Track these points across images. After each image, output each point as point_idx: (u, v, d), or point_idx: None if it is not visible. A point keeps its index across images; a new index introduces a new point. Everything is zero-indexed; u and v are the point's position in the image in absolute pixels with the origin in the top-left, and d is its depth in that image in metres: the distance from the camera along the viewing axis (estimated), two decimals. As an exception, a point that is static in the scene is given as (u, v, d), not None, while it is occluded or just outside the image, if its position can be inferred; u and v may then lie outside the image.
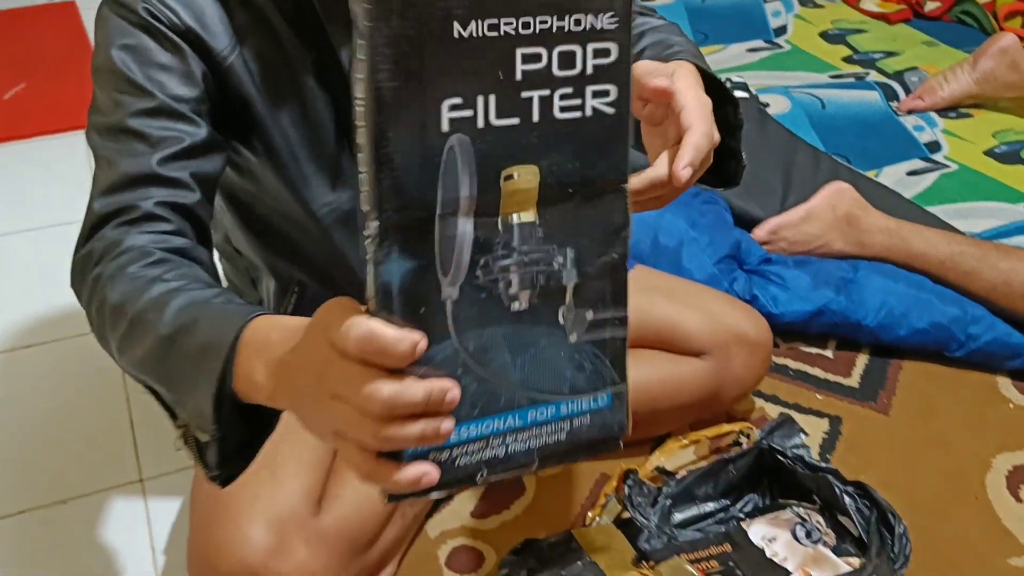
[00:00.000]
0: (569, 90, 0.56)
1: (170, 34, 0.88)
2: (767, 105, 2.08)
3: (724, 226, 1.64)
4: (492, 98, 0.54)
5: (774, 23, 2.53)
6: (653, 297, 1.32)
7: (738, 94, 2.06)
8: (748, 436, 1.30)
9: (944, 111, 2.14)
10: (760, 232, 1.65)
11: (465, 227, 0.55)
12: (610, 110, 0.58)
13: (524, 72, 0.54)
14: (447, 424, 0.55)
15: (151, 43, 0.87)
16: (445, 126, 0.53)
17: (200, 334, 0.70)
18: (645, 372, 1.29)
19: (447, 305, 0.55)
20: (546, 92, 0.55)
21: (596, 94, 0.57)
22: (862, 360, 1.53)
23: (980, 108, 2.16)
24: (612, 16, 0.56)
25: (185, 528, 1.23)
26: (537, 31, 0.54)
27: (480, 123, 0.54)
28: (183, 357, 0.70)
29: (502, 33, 0.53)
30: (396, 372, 0.54)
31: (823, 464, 1.21)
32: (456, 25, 0.52)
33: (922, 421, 1.42)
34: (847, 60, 2.37)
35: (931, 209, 1.79)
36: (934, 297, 1.53)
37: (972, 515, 1.28)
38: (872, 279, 1.55)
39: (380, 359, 0.53)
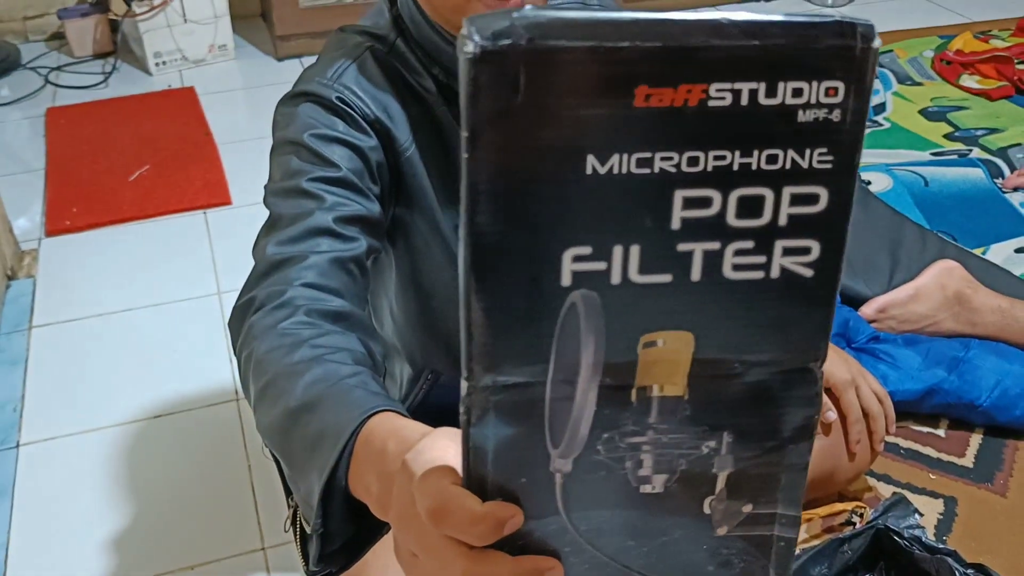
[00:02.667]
0: (749, 245, 0.42)
1: (360, 121, 0.94)
2: (869, 183, 2.09)
3: (831, 304, 1.64)
4: (635, 249, 0.41)
5: (873, 101, 2.53)
6: None
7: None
8: (861, 515, 1.29)
9: (1051, 188, 2.12)
10: (868, 310, 1.64)
11: (585, 397, 0.43)
12: (807, 272, 0.43)
13: (684, 220, 0.41)
14: None
15: (341, 125, 0.93)
16: (566, 280, 0.41)
17: (321, 418, 0.65)
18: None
19: (556, 478, 0.45)
20: (714, 246, 0.41)
21: (789, 251, 0.42)
22: (976, 440, 1.51)
23: (1089, 185, 2.13)
24: (825, 153, 0.40)
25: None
26: (709, 169, 0.40)
27: (615, 278, 0.41)
28: (302, 437, 0.66)
29: (656, 171, 0.39)
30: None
31: (941, 545, 1.19)
32: (591, 159, 0.39)
33: (1043, 504, 1.40)
34: (948, 137, 2.37)
35: (1043, 287, 1.77)
36: (1050, 377, 1.50)
37: (1100, 603, 1.25)
38: (985, 359, 1.53)
39: (458, 534, 0.44)
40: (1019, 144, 2.30)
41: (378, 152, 0.95)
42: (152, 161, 2.37)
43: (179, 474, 1.49)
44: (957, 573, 1.16)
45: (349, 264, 0.87)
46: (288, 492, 0.73)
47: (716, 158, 0.39)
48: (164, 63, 2.87)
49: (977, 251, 1.89)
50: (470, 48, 0.36)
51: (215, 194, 2.24)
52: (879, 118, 2.46)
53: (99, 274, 1.98)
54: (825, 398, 1.27)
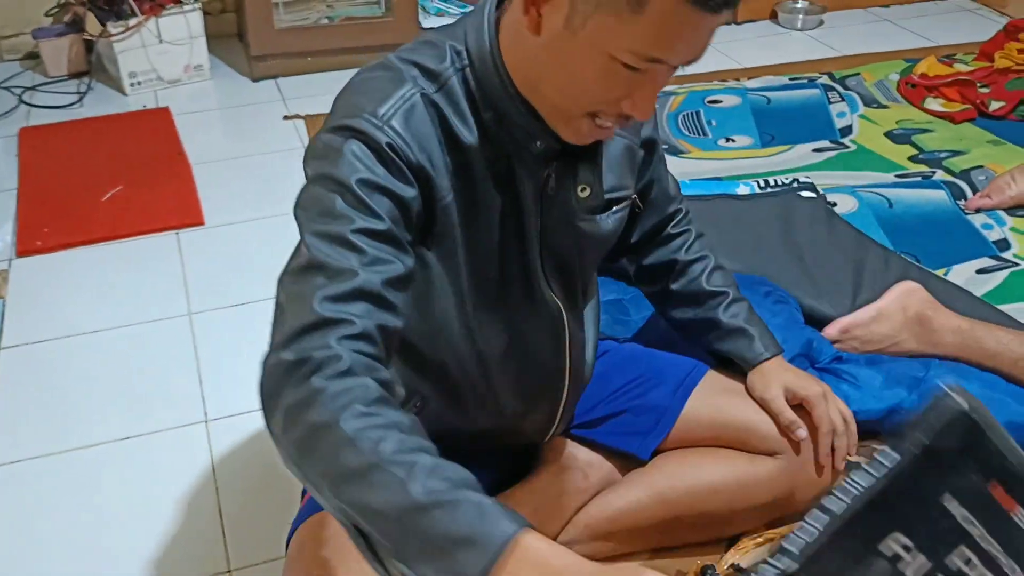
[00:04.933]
0: None
1: (405, 169, 0.95)
2: (835, 204, 2.12)
3: (795, 325, 1.67)
4: None
5: (839, 123, 2.58)
6: (731, 398, 1.35)
7: (805, 194, 2.11)
8: None
9: (1012, 209, 2.16)
10: (831, 331, 1.67)
11: None
12: None
13: None
14: None
15: (386, 173, 0.93)
16: None
17: (461, 521, 0.73)
18: (721, 471, 1.32)
19: None
20: None
21: None
22: (937, 460, 1.53)
23: (1051, 207, 2.17)
24: None
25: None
26: None
27: None
28: (435, 533, 0.74)
29: None
30: None
31: None
32: None
33: (1000, 523, 1.42)
34: (913, 159, 2.40)
35: (1002, 307, 1.80)
36: (1008, 397, 1.53)
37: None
38: (945, 378, 1.56)
39: None
40: (981, 166, 2.34)
41: (418, 201, 0.97)
42: (125, 181, 2.38)
43: (146, 497, 1.49)
44: None
45: (391, 332, 0.90)
46: (377, 559, 0.79)
47: None
48: (139, 83, 2.88)
49: (939, 272, 1.92)
50: None
51: (188, 214, 2.25)
52: (845, 140, 2.50)
53: (70, 295, 1.98)
54: (794, 416, 1.30)
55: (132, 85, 2.87)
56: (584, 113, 0.97)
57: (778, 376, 1.32)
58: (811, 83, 2.80)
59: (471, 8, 1.05)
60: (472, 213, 1.03)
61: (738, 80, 2.84)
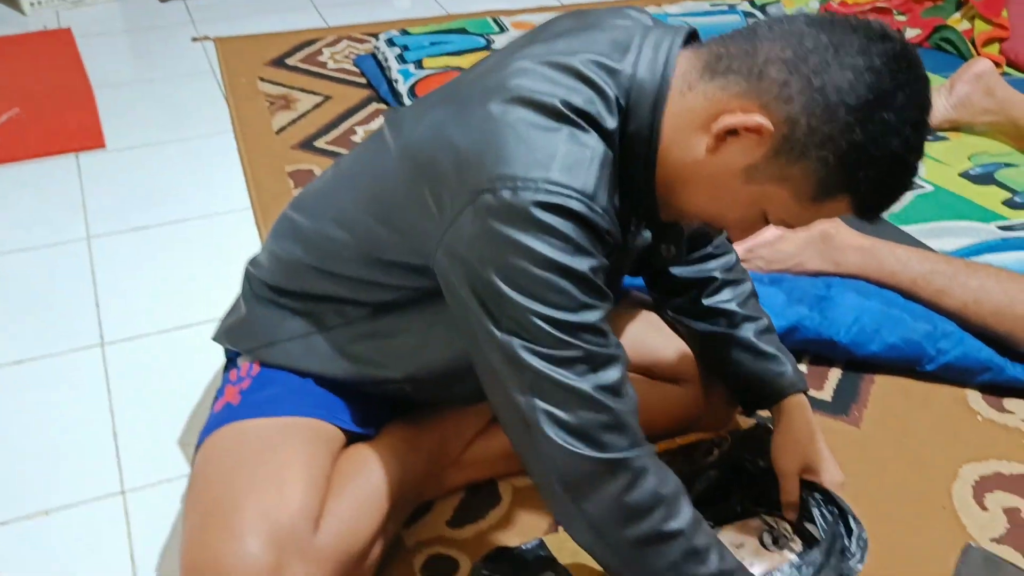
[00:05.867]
0: None
1: (611, 247, 0.92)
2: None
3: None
4: None
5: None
6: (639, 325, 1.35)
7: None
8: (720, 446, 1.32)
9: (921, 134, 2.18)
10: (737, 250, 1.67)
11: None
12: None
13: None
14: None
15: (601, 254, 0.90)
16: None
17: None
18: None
19: None
20: None
21: None
22: (835, 375, 1.56)
23: (957, 132, 2.20)
24: None
25: (166, 539, 1.26)
26: None
27: None
28: None
29: None
30: None
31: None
32: None
33: (892, 434, 1.45)
34: (827, 85, 2.41)
35: (906, 228, 1.83)
36: (906, 314, 1.56)
37: (939, 525, 1.30)
38: (845, 296, 1.58)
39: None
40: (894, 92, 2.35)
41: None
42: (23, 104, 2.28)
43: (39, 420, 1.45)
44: (809, 500, 1.20)
45: None
46: None
47: None
48: (39, 3, 2.76)
49: (847, 195, 1.94)
50: None
51: (88, 138, 2.17)
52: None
53: (-38, 219, 1.91)
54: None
55: (32, 4, 2.75)
56: (700, 222, 0.99)
57: (804, 448, 1.23)
58: (732, 9, 2.78)
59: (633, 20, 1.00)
60: None
61: (660, 5, 2.82)
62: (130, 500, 1.32)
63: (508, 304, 0.87)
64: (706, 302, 1.29)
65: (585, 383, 0.89)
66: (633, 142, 0.93)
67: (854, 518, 1.15)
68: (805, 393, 1.26)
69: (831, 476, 1.22)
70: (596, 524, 0.93)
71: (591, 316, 0.89)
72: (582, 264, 0.87)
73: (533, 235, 0.85)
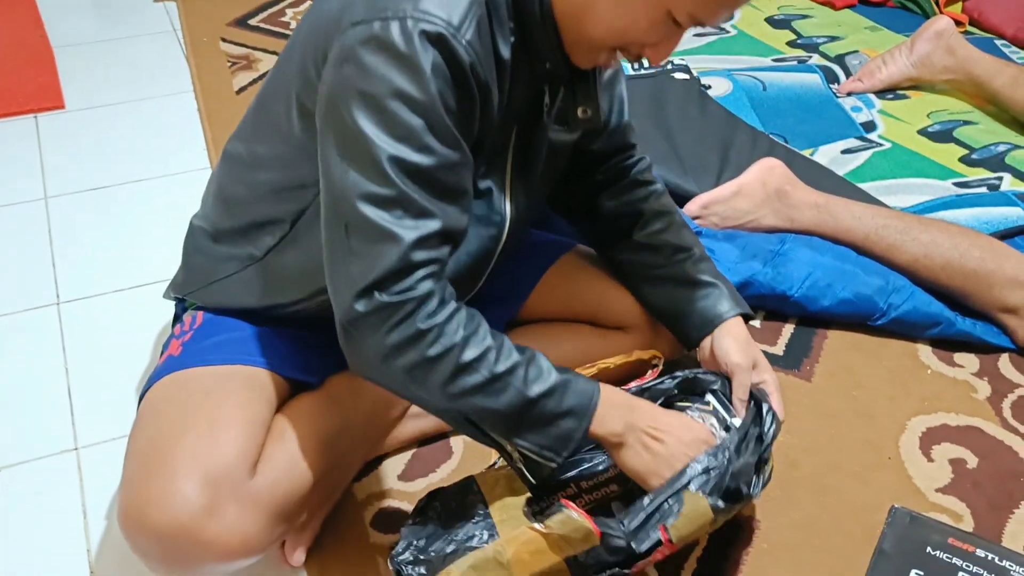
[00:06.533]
0: None
1: (476, 97, 0.94)
2: (708, 87, 2.12)
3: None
4: None
5: (722, 9, 2.56)
6: (585, 274, 1.36)
7: (679, 76, 2.10)
8: (657, 366, 1.27)
9: (882, 92, 2.19)
10: (692, 207, 1.68)
11: None
12: None
13: None
14: None
15: (463, 98, 0.92)
16: None
17: (561, 401, 0.99)
18: (570, 345, 1.33)
19: None
20: None
21: None
22: (788, 330, 1.57)
23: (918, 90, 2.21)
24: None
25: (116, 494, 1.26)
26: None
27: None
28: (544, 415, 0.99)
29: None
30: None
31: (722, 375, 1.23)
32: None
33: (843, 388, 1.47)
34: (791, 44, 2.41)
35: (863, 185, 1.84)
36: (858, 268, 1.57)
37: (886, 475, 1.32)
38: (799, 252, 1.59)
39: None
40: (856, 51, 2.36)
41: (477, 123, 0.97)
42: (-21, 64, 2.26)
43: (-7, 378, 1.45)
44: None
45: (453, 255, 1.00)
46: (493, 444, 1.01)
47: None
48: (-3, -38, 2.71)
49: (807, 152, 1.95)
50: None
51: (47, 97, 2.15)
52: (727, 25, 2.49)
53: (-83, 180, 1.89)
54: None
55: (-10, -36, 2.70)
56: (612, 47, 0.98)
57: (751, 347, 1.25)
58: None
59: None
60: (485, 128, 1.01)
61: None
62: (83, 456, 1.33)
63: (352, 132, 0.90)
64: (638, 237, 1.30)
65: (399, 228, 0.91)
66: None
67: (767, 405, 1.15)
68: (745, 318, 1.26)
69: (772, 375, 1.24)
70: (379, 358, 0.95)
71: (427, 160, 0.90)
72: (429, 96, 0.89)
73: (391, 63, 0.88)
